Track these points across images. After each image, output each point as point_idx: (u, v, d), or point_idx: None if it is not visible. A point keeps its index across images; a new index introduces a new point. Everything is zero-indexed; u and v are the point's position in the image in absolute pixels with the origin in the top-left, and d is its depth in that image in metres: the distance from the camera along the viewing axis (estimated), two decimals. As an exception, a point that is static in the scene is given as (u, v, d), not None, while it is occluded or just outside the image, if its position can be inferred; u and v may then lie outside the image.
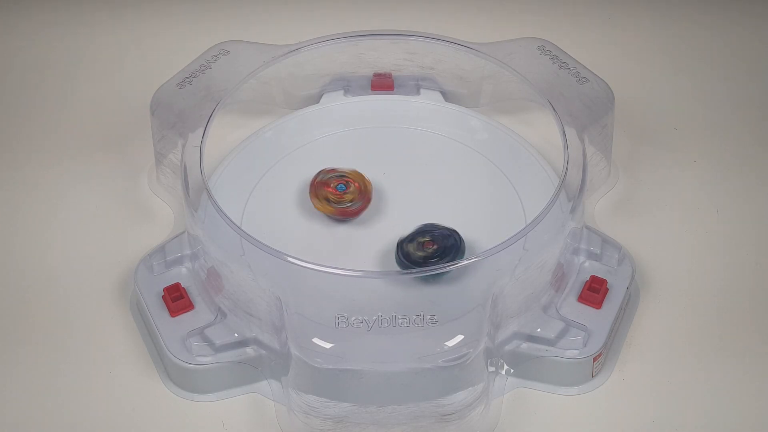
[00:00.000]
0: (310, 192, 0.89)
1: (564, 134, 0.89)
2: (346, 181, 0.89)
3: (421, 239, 0.85)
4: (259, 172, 0.93)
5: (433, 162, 0.95)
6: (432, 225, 0.86)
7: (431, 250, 0.84)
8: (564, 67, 0.96)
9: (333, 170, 0.90)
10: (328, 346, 0.77)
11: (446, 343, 0.77)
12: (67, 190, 0.97)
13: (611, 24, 1.15)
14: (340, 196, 0.89)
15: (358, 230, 0.89)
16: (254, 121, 1.00)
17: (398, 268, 0.84)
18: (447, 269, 0.80)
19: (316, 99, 1.01)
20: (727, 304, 0.88)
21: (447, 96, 1.01)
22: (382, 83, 1.01)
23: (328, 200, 0.89)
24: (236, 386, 0.82)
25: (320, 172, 0.90)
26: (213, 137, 0.92)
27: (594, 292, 0.85)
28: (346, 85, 1.01)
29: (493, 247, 0.80)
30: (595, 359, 0.82)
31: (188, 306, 0.84)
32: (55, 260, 0.91)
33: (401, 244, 0.85)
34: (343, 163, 0.92)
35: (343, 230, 0.89)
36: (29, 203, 0.96)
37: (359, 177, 0.90)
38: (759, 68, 1.09)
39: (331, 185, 0.89)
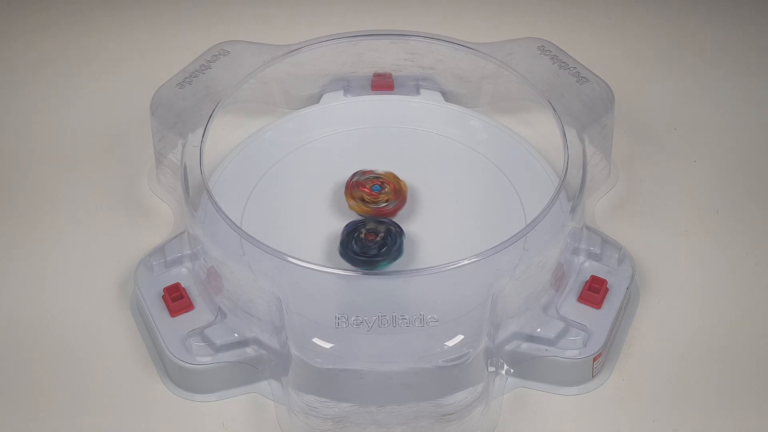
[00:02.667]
0: (346, 193, 0.89)
1: (564, 134, 0.89)
2: (381, 182, 0.89)
3: (364, 231, 0.85)
4: (259, 172, 0.93)
5: (433, 162, 0.95)
6: (371, 218, 0.87)
7: (373, 242, 0.84)
8: (564, 67, 0.96)
9: (369, 171, 0.90)
10: (328, 346, 0.77)
11: (446, 343, 0.77)
12: (67, 190, 0.97)
13: (611, 24, 1.15)
14: (376, 196, 0.89)
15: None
16: (254, 121, 1.00)
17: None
18: (447, 268, 0.80)
19: (316, 99, 1.01)
20: (727, 304, 0.88)
21: (447, 96, 1.01)
22: (382, 83, 1.01)
23: (363, 200, 0.88)
24: (236, 386, 0.82)
25: (356, 173, 0.90)
26: (213, 137, 0.92)
27: (594, 292, 0.85)
28: (346, 85, 1.01)
29: (493, 247, 0.80)
30: (595, 359, 0.82)
31: (188, 306, 0.84)
32: (55, 260, 0.91)
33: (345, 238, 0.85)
34: (343, 164, 0.93)
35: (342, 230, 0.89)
36: (29, 203, 0.96)
37: (394, 179, 0.90)
38: (759, 68, 1.09)
39: (367, 186, 0.89)
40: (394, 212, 0.89)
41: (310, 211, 0.91)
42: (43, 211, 0.96)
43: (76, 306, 0.88)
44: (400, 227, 0.86)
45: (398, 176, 0.90)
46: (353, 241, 0.85)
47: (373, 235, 0.85)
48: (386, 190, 0.89)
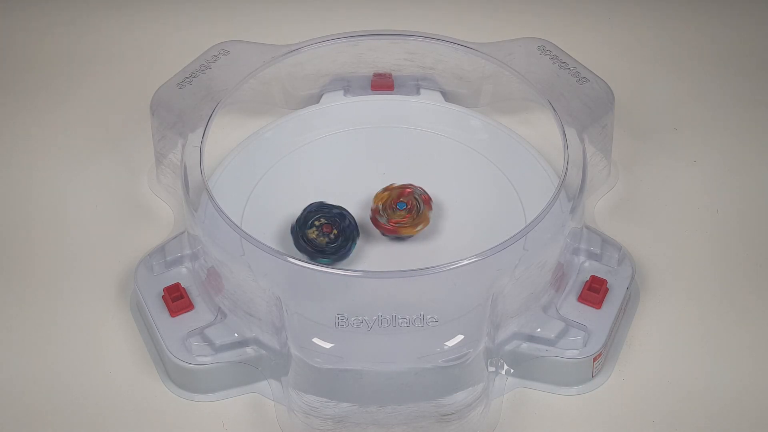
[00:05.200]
0: (375, 223, 0.88)
1: (564, 134, 0.89)
2: (399, 198, 0.88)
3: (318, 223, 0.85)
4: (259, 172, 0.94)
5: (433, 162, 0.95)
6: (321, 204, 0.86)
7: (333, 236, 0.84)
8: (564, 67, 0.96)
9: (383, 196, 0.88)
10: (328, 346, 0.77)
11: (446, 343, 0.77)
12: (68, 190, 0.97)
13: (611, 24, 1.15)
14: (404, 216, 0.88)
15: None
16: (254, 121, 1.00)
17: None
18: (447, 268, 0.80)
19: (316, 99, 1.01)
20: (727, 304, 0.88)
21: (447, 96, 1.01)
22: (382, 83, 1.01)
23: (398, 224, 0.87)
24: (236, 386, 0.82)
25: (375, 204, 0.88)
26: (213, 137, 0.92)
27: (594, 292, 0.85)
28: (346, 85, 1.01)
29: (493, 247, 0.80)
30: (595, 359, 0.82)
31: (188, 306, 0.84)
32: (55, 260, 0.91)
33: (298, 229, 0.85)
34: (343, 164, 0.93)
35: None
36: (30, 203, 0.96)
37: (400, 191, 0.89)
38: (758, 68, 1.09)
39: (392, 213, 0.87)
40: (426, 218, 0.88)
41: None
42: (43, 210, 0.96)
43: (76, 306, 0.88)
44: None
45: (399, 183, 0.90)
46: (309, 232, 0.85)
47: (329, 227, 0.85)
48: (409, 202, 0.88)
